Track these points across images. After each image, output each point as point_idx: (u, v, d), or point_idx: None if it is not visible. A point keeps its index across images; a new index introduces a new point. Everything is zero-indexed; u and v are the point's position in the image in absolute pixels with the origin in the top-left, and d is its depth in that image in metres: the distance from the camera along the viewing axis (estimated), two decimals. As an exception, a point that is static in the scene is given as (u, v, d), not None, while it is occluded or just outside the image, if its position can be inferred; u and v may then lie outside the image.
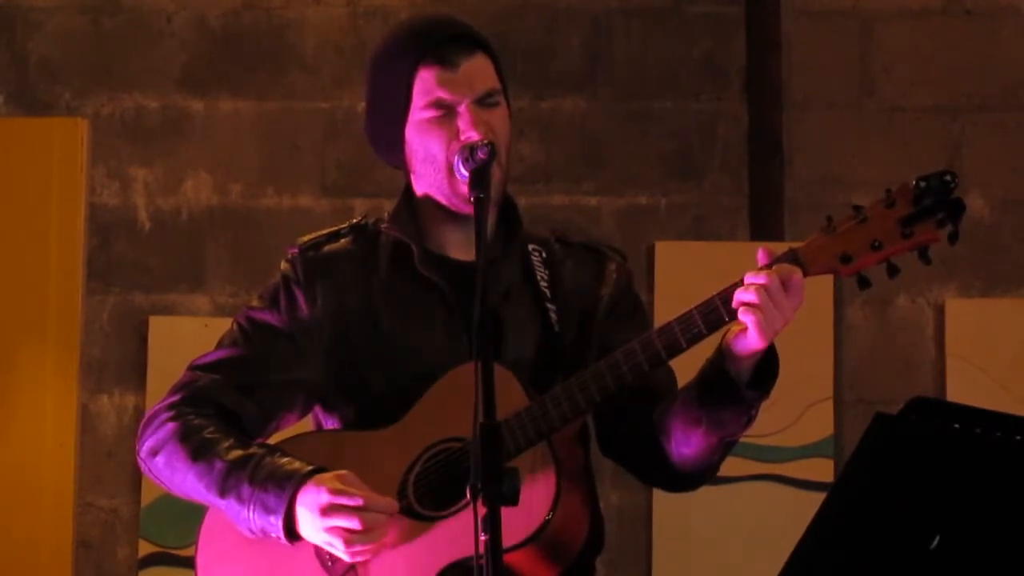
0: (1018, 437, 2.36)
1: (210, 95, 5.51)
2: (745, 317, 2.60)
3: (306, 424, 3.00)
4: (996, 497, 2.39)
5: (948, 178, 2.59)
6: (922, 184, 2.59)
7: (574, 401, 2.71)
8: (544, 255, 2.94)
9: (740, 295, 2.61)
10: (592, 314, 2.91)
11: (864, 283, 2.63)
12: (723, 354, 2.68)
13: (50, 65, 5.53)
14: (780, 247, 2.67)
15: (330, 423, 2.94)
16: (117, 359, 5.42)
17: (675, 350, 2.68)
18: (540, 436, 2.69)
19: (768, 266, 2.62)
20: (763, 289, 2.59)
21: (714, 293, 2.66)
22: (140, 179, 5.50)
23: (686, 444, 2.78)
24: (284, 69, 5.52)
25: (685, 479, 2.87)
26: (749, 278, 2.61)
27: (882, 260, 2.60)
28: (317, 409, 2.96)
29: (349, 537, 2.71)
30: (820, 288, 5.21)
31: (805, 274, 2.62)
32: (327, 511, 2.71)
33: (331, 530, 2.72)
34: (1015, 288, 5.32)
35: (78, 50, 5.53)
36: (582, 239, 3.02)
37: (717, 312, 2.64)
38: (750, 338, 2.62)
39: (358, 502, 2.70)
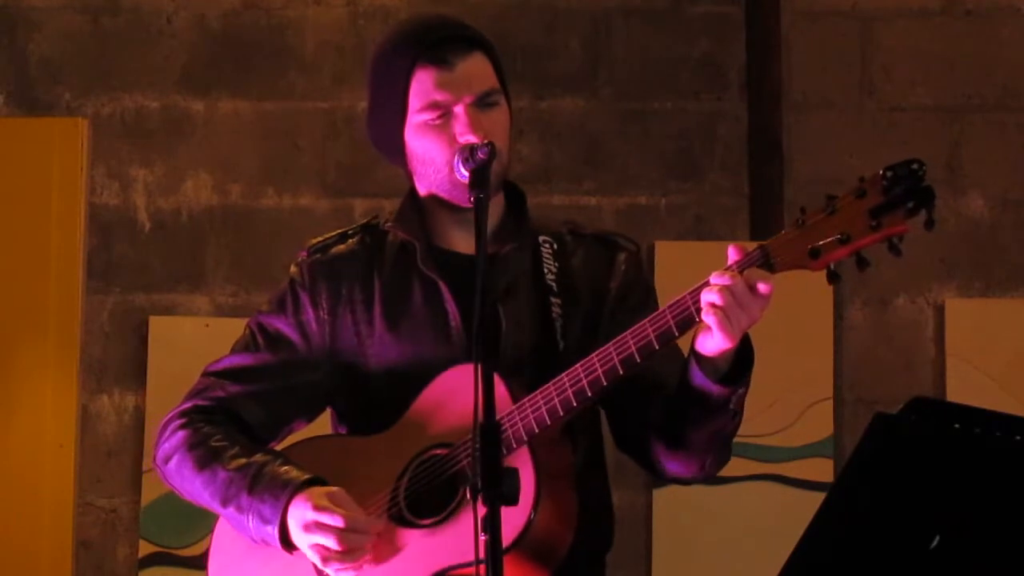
0: (1018, 437, 2.36)
1: (210, 95, 5.51)
2: (708, 317, 2.58)
3: (321, 426, 3.01)
4: (996, 497, 2.39)
5: (916, 166, 2.54)
6: (889, 174, 2.55)
7: (552, 406, 2.69)
8: (555, 247, 2.93)
9: (705, 295, 2.59)
10: (600, 307, 2.91)
11: (834, 277, 2.59)
12: (695, 355, 2.68)
13: (50, 65, 5.53)
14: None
15: (341, 427, 2.96)
16: (117, 359, 5.42)
17: (648, 350, 2.66)
18: (520, 441, 2.68)
19: (738, 263, 2.60)
20: (727, 291, 2.57)
21: (686, 292, 2.65)
22: (140, 179, 5.50)
23: (680, 441, 2.78)
24: (284, 69, 5.52)
25: (689, 474, 2.86)
26: (715, 279, 2.60)
27: (851, 253, 2.56)
28: (331, 411, 2.98)
29: (326, 555, 2.74)
30: (820, 288, 5.18)
31: (773, 271, 2.59)
32: (309, 528, 2.74)
33: (312, 547, 2.74)
34: (1015, 288, 5.32)
35: (78, 50, 5.53)
36: (594, 230, 3.01)
37: (688, 311, 2.62)
38: (715, 338, 2.61)
39: (338, 523, 2.72)
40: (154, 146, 5.51)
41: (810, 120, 5.43)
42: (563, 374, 2.70)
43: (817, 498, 2.50)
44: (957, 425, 2.36)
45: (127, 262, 5.46)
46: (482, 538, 2.34)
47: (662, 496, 5.17)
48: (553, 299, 2.88)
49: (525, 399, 2.70)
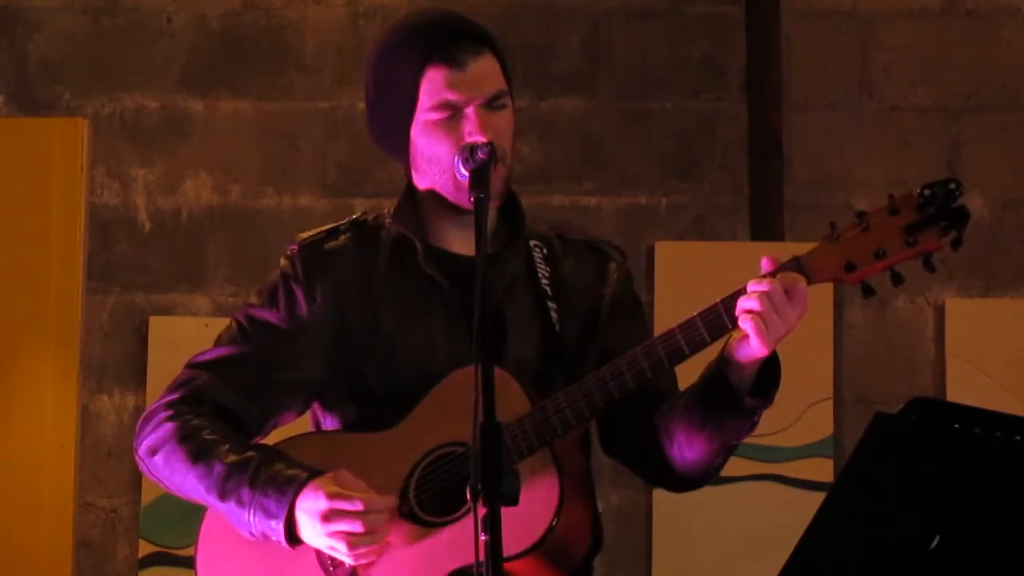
0: (1018, 437, 2.36)
1: (210, 95, 5.51)
2: (745, 324, 2.60)
3: (304, 422, 3.00)
4: (996, 497, 2.39)
5: (953, 186, 2.58)
6: (927, 192, 2.58)
7: (577, 408, 2.70)
8: (545, 252, 2.93)
9: (743, 303, 2.61)
10: (595, 314, 2.91)
11: (868, 291, 2.64)
12: (725, 361, 2.68)
13: (50, 65, 5.53)
14: (780, 248, 2.68)
15: (329, 422, 2.92)
16: (117, 359, 5.42)
17: (678, 357, 2.67)
18: (543, 443, 2.68)
19: (772, 274, 2.62)
20: (766, 296, 2.59)
21: (717, 300, 2.66)
22: (140, 179, 5.50)
23: (688, 448, 2.78)
24: (284, 69, 5.52)
25: (688, 480, 2.87)
26: (752, 286, 2.61)
27: (886, 268, 2.62)
28: (316, 407, 2.94)
29: (352, 540, 2.71)
30: (820, 288, 5.18)
31: (809, 282, 2.63)
32: (328, 516, 2.71)
33: (333, 535, 2.71)
34: (1015, 288, 5.32)
35: (78, 50, 5.53)
36: (583, 237, 3.01)
37: (720, 319, 2.64)
38: (752, 345, 2.62)
39: (358, 506, 2.70)
40: (154, 146, 5.51)
41: (810, 120, 5.43)
42: (587, 377, 2.71)
43: (817, 498, 2.50)
44: (957, 425, 2.36)
45: (127, 262, 5.47)
46: (482, 538, 2.34)
47: (662, 496, 5.16)
48: (550, 303, 2.88)
49: (548, 400, 2.71)
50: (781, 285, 2.60)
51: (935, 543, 2.39)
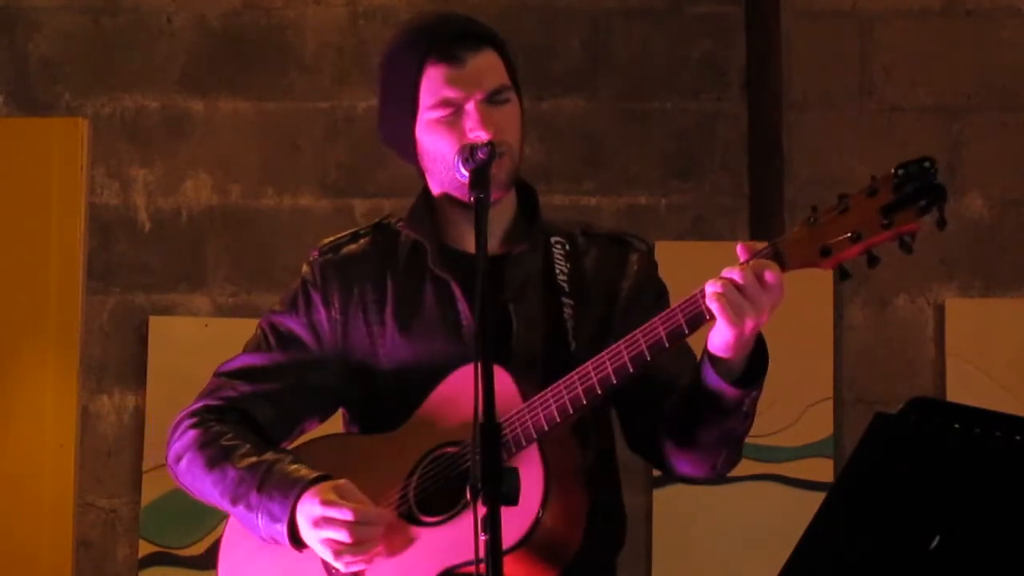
0: (1018, 437, 2.36)
1: (210, 95, 5.52)
2: (711, 303, 2.57)
3: (333, 425, 3.01)
4: (996, 497, 2.39)
5: (927, 164, 2.55)
6: (901, 172, 2.55)
7: (562, 403, 2.69)
8: (567, 248, 2.93)
9: (709, 285, 2.59)
10: (612, 307, 2.90)
11: (844, 275, 2.58)
12: (707, 355, 2.67)
13: (50, 65, 5.53)
14: (773, 246, 2.65)
15: (353, 427, 2.96)
16: (117, 359, 5.42)
17: (658, 348, 2.65)
18: (528, 439, 2.68)
19: (747, 262, 2.60)
20: (733, 281, 2.56)
21: (697, 290, 2.64)
22: (140, 179, 5.50)
23: (691, 440, 2.77)
24: (284, 69, 5.52)
25: (699, 472, 2.85)
26: (725, 273, 2.59)
27: (862, 251, 2.54)
28: (343, 411, 2.98)
29: (339, 549, 2.73)
30: (820, 288, 5.21)
31: (784, 268, 2.58)
32: (319, 523, 2.73)
33: (323, 542, 2.74)
34: (1015, 288, 5.33)
35: (78, 50, 5.54)
36: (607, 230, 3.01)
37: (698, 309, 2.62)
38: (719, 327, 2.60)
39: (348, 516, 2.71)
40: (154, 146, 5.51)
41: (810, 120, 5.43)
42: (573, 372, 2.70)
43: (817, 498, 2.50)
44: (957, 425, 2.36)
45: (127, 262, 5.47)
46: (482, 538, 2.34)
47: (662, 496, 5.17)
48: (565, 300, 2.87)
49: (535, 397, 2.70)
50: (752, 272, 2.57)
51: (935, 543, 2.39)
